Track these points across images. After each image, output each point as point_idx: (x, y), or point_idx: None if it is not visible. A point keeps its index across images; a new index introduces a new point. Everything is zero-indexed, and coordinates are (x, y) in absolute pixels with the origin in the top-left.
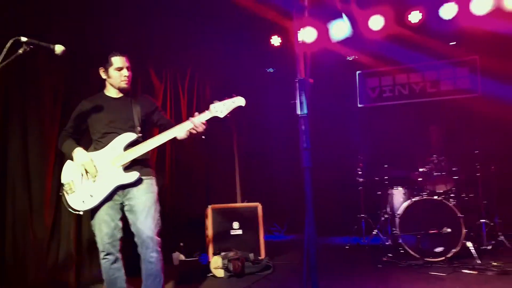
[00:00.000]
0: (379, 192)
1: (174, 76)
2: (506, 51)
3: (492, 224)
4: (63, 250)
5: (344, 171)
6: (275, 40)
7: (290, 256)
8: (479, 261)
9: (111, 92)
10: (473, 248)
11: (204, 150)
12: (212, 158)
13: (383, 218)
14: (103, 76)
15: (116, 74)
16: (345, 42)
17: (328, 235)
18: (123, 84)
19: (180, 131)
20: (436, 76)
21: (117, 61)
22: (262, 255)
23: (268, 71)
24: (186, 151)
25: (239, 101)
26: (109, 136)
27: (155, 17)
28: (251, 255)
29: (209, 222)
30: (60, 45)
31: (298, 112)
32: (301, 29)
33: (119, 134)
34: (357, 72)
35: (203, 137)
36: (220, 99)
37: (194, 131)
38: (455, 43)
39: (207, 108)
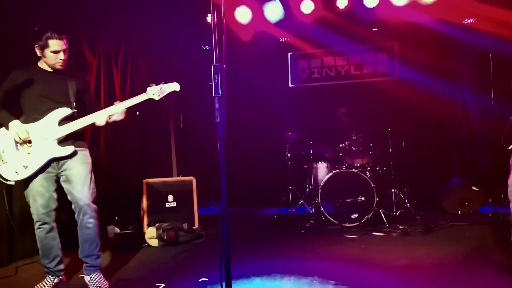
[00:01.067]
0: (305, 166)
1: (108, 51)
2: (420, 39)
3: (400, 193)
4: None
5: (275, 146)
6: (211, 18)
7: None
8: (387, 225)
9: (45, 66)
10: (383, 214)
11: (139, 126)
12: (147, 134)
13: (308, 190)
14: (38, 53)
15: (52, 56)
16: (278, 24)
17: (259, 206)
18: (58, 66)
19: (103, 115)
20: (359, 59)
21: (54, 44)
22: (196, 225)
23: (204, 48)
24: (119, 126)
25: (174, 86)
26: (42, 109)
27: None
28: (185, 225)
29: (144, 196)
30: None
31: (213, 93)
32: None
33: (54, 108)
34: (289, 54)
35: (137, 113)
36: (157, 83)
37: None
38: (376, 29)
39: (141, 85)
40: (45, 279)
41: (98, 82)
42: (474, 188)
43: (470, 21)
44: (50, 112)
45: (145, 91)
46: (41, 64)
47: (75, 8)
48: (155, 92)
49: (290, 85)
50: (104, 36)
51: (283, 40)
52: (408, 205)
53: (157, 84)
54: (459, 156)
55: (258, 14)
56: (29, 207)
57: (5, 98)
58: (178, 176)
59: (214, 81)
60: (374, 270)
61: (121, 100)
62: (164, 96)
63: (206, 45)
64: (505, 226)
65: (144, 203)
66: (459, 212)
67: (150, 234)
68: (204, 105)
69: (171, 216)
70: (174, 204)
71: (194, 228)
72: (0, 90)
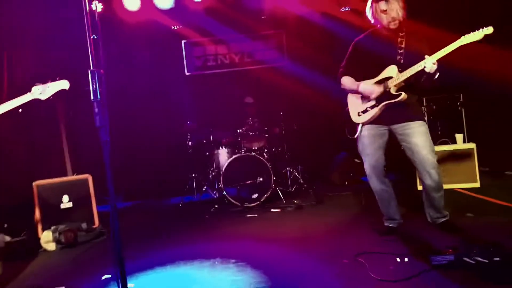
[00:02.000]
0: (207, 153)
1: None
2: (306, 28)
3: (294, 171)
4: None
5: (175, 136)
6: (98, 6)
7: (124, 221)
8: (284, 201)
9: None
10: (280, 191)
11: (24, 126)
12: (35, 134)
13: (211, 176)
14: None
15: None
16: (169, 12)
17: (164, 197)
18: None
19: None
20: (251, 47)
21: None
22: (96, 224)
23: (92, 38)
24: (3, 129)
25: (63, 84)
26: None
27: None
28: (84, 225)
29: (36, 199)
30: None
31: (92, 98)
32: None
33: None
34: (183, 41)
35: (20, 110)
36: (44, 81)
37: None
38: (264, 17)
39: (24, 81)
40: None
41: None
42: (356, 160)
43: (346, 9)
44: None
45: (29, 90)
46: None
47: None
48: (41, 91)
49: (187, 73)
50: None
51: (175, 28)
52: (302, 181)
53: (44, 82)
54: (344, 132)
55: (147, 2)
56: None
57: None
58: (73, 175)
59: (92, 86)
60: (271, 245)
61: None
62: (51, 95)
63: (93, 34)
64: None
65: (37, 207)
66: (346, 183)
67: (46, 238)
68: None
69: (68, 217)
70: (70, 205)
71: (94, 226)
72: None
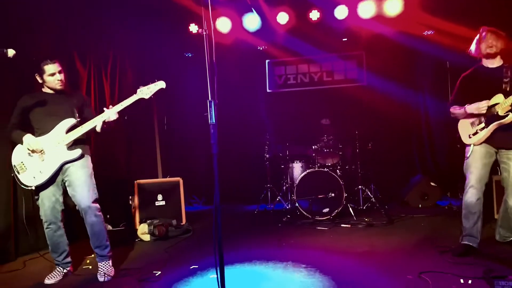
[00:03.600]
0: (282, 166)
1: (98, 61)
2: (386, 49)
3: (367, 189)
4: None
5: (254, 148)
6: (193, 28)
7: (207, 222)
8: (355, 218)
9: (48, 90)
10: (351, 208)
11: (127, 130)
12: (134, 137)
13: (284, 187)
14: (40, 81)
15: (51, 79)
16: (256, 33)
17: (241, 203)
18: (58, 87)
19: (99, 120)
20: (331, 67)
21: (50, 68)
22: (183, 221)
23: (186, 55)
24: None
25: (160, 84)
26: (50, 124)
27: (79, 4)
28: (174, 221)
29: (136, 195)
30: (12, 49)
31: (209, 121)
32: (217, 19)
33: (61, 121)
34: (267, 61)
35: (125, 117)
36: (145, 84)
37: (109, 119)
38: (346, 39)
39: (129, 91)
40: (55, 270)
41: (89, 92)
42: (432, 183)
43: (429, 32)
44: (57, 125)
45: (130, 94)
46: (45, 89)
47: (68, 26)
48: (144, 91)
49: (268, 90)
50: (93, 48)
51: (261, 48)
52: (374, 200)
53: (145, 85)
54: (420, 155)
55: (237, 24)
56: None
57: (18, 119)
58: (164, 176)
59: (210, 113)
60: (338, 256)
61: (112, 105)
62: (153, 94)
63: (188, 52)
64: (457, 217)
65: (136, 202)
66: (420, 205)
67: (143, 230)
68: (186, 108)
69: (161, 213)
70: (163, 203)
71: (182, 224)
72: (13, 113)
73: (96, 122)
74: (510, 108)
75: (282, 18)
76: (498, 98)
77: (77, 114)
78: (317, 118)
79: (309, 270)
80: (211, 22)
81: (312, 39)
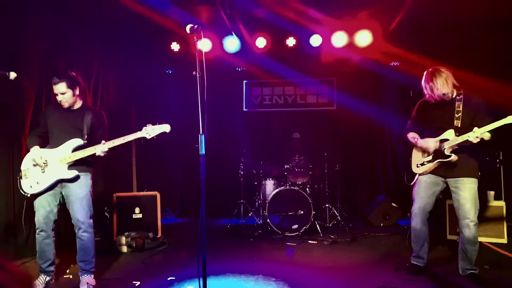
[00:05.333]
0: (256, 183)
1: (82, 75)
2: (355, 75)
3: (333, 208)
4: None
5: (229, 164)
6: (175, 46)
7: (180, 234)
8: (321, 235)
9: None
10: (318, 225)
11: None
12: (112, 150)
13: (257, 203)
14: None
15: (57, 98)
16: (236, 54)
17: (214, 217)
18: (64, 106)
19: (102, 148)
20: (304, 90)
21: (54, 88)
22: (159, 234)
23: (167, 72)
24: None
25: (165, 127)
26: (62, 138)
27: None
28: (150, 234)
29: (114, 208)
30: (14, 72)
31: (200, 152)
32: (198, 40)
33: (71, 138)
34: (244, 81)
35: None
36: (153, 123)
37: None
38: (319, 66)
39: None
40: (39, 277)
41: None
42: (393, 204)
43: (396, 64)
44: (66, 141)
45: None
46: None
47: (56, 41)
48: (149, 131)
49: (244, 109)
50: (78, 63)
51: (239, 70)
52: (339, 218)
53: (153, 124)
54: (384, 176)
55: (217, 45)
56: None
57: (38, 125)
58: (138, 188)
59: (200, 144)
60: (306, 270)
61: None
62: (155, 136)
63: (169, 69)
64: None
65: (114, 214)
66: (381, 224)
67: (120, 241)
68: (165, 122)
69: (138, 226)
70: (140, 216)
71: (158, 236)
72: (36, 119)
73: (97, 150)
74: (456, 147)
75: (260, 42)
76: (449, 134)
77: (86, 135)
78: (289, 136)
79: (279, 283)
80: (203, 64)
81: (288, 63)
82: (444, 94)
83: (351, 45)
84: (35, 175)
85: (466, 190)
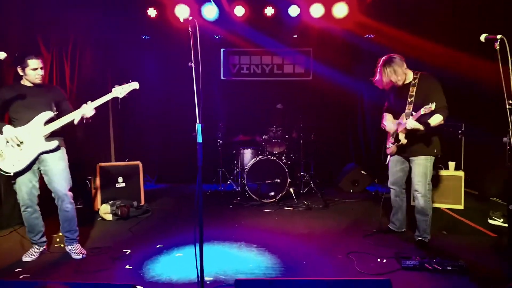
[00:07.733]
0: (234, 152)
1: (59, 47)
2: (331, 46)
3: (307, 176)
4: None
5: (208, 133)
6: (152, 12)
7: (162, 201)
8: (296, 201)
9: (27, 83)
10: (293, 192)
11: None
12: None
13: (235, 171)
14: (20, 73)
15: (32, 73)
16: (214, 22)
17: (194, 183)
18: (37, 81)
19: (77, 114)
20: (281, 60)
21: (33, 63)
22: (143, 202)
23: (144, 38)
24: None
25: (134, 84)
26: (28, 115)
27: None
28: (135, 203)
29: (97, 177)
30: (3, 52)
31: (197, 140)
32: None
33: (39, 113)
34: (222, 50)
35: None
36: (120, 83)
37: (85, 115)
38: (296, 36)
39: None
40: (32, 249)
41: (51, 74)
42: (362, 172)
43: (371, 36)
44: (34, 118)
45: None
46: (23, 82)
47: (32, 13)
48: (119, 91)
49: (222, 78)
50: (56, 34)
51: (217, 37)
52: (313, 185)
53: (120, 84)
54: (355, 145)
55: (195, 12)
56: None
57: None
58: (116, 157)
59: (198, 134)
60: (283, 237)
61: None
62: (126, 94)
63: (146, 35)
64: (380, 201)
65: (98, 183)
66: (351, 190)
67: (105, 210)
68: (142, 89)
69: (121, 195)
70: (123, 185)
71: (141, 204)
72: None
73: (74, 117)
74: (406, 131)
75: (239, 11)
76: (403, 118)
77: (54, 108)
78: (267, 107)
79: (260, 249)
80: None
81: (266, 32)
82: (391, 81)
83: (328, 16)
84: (12, 154)
85: (416, 166)
